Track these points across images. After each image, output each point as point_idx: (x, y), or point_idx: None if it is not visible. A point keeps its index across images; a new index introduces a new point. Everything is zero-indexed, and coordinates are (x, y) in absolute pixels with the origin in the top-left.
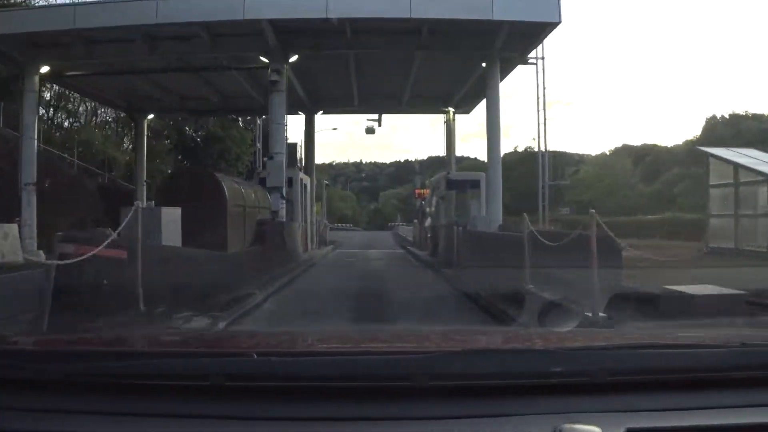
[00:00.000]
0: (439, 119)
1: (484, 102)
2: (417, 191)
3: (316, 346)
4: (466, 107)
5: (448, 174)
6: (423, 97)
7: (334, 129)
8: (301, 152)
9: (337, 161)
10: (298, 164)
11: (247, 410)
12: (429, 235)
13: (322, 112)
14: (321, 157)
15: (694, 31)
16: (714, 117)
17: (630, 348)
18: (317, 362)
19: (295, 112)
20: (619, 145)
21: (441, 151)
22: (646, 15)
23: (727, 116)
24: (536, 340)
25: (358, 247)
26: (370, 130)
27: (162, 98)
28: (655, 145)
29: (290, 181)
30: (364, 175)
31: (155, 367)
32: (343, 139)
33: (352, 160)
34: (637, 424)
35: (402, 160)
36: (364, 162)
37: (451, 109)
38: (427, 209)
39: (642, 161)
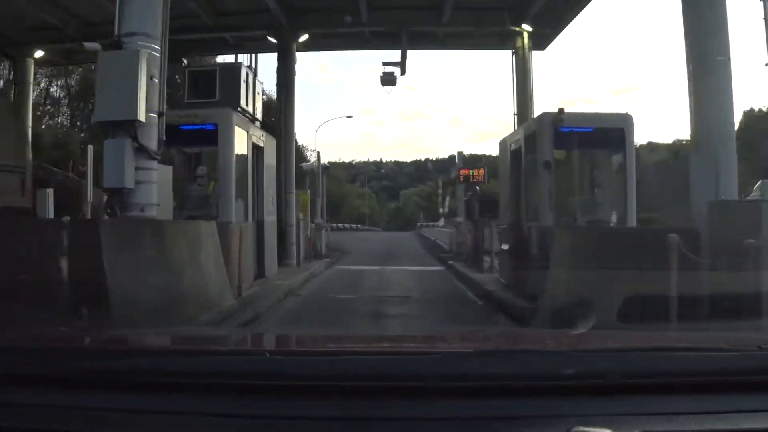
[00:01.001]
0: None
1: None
2: (463, 172)
3: (328, 345)
4: (548, 28)
5: (560, 117)
6: (477, 9)
7: (350, 117)
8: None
9: (357, 160)
10: (244, 108)
11: (259, 409)
12: (504, 247)
13: (306, 36)
14: (339, 156)
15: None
16: (752, 110)
17: (644, 350)
18: (329, 361)
19: (262, 47)
20: (644, 142)
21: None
22: (673, 4)
23: (765, 109)
24: (549, 341)
25: (371, 261)
26: (388, 80)
27: (52, 23)
28: (687, 141)
29: (213, 135)
30: (383, 171)
31: (168, 364)
32: (361, 139)
33: (372, 159)
34: (651, 427)
35: (422, 159)
36: (384, 161)
37: (526, 29)
38: (458, 202)
39: (674, 158)
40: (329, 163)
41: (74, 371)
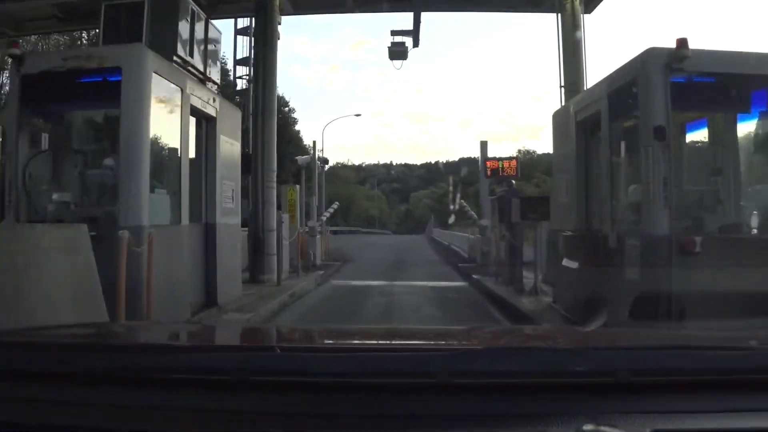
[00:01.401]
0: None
1: None
2: (490, 164)
3: (338, 341)
4: None
5: (683, 54)
6: None
7: (358, 115)
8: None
9: (366, 162)
10: (183, 57)
11: (270, 405)
12: (569, 264)
13: None
14: (348, 158)
15: (746, 15)
16: None
17: (654, 348)
18: (340, 358)
19: (240, 9)
20: None
21: (472, 153)
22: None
23: None
24: (559, 338)
25: (375, 273)
26: (397, 52)
27: None
28: None
29: (119, 88)
30: (393, 173)
31: (178, 361)
32: (371, 141)
33: (382, 162)
34: (662, 425)
35: (433, 162)
36: (394, 163)
37: None
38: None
39: None
40: (338, 164)
41: (85, 368)
